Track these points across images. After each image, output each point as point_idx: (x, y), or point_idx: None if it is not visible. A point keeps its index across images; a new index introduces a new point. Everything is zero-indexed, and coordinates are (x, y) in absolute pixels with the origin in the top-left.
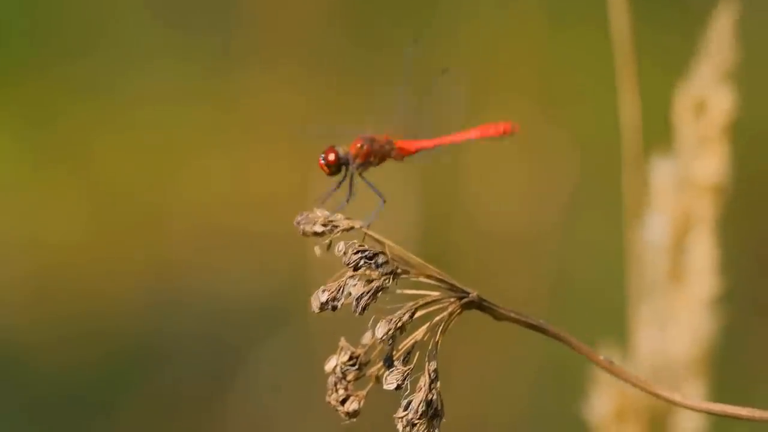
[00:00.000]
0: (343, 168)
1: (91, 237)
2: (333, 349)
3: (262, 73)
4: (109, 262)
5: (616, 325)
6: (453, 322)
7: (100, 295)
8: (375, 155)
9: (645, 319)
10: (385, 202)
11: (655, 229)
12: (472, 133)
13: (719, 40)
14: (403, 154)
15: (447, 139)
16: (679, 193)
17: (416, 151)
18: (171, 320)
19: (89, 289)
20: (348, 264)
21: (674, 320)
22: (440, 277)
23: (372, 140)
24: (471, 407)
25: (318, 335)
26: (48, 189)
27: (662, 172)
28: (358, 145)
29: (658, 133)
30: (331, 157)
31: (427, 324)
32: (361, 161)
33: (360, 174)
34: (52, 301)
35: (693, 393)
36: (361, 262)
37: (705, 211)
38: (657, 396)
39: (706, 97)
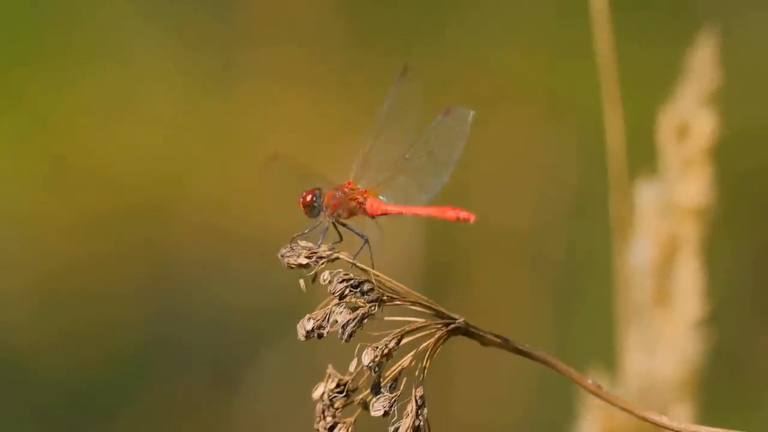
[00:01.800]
0: (321, 212)
1: (95, 242)
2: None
3: (266, 77)
4: (112, 268)
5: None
6: (439, 348)
7: (105, 300)
8: (343, 209)
9: (633, 341)
10: (367, 241)
11: (640, 253)
12: (434, 211)
13: (702, 64)
14: (371, 213)
15: (411, 210)
16: (665, 217)
17: (382, 214)
18: (175, 325)
19: (93, 294)
20: (333, 292)
21: (661, 342)
22: (426, 303)
23: (341, 196)
24: (475, 416)
25: (322, 342)
26: (51, 196)
27: (647, 196)
28: (329, 196)
29: (645, 155)
30: (308, 198)
31: (414, 350)
32: (331, 211)
33: (334, 221)
34: (56, 306)
35: (680, 414)
36: (347, 290)
37: (690, 234)
38: (645, 419)
39: (689, 121)
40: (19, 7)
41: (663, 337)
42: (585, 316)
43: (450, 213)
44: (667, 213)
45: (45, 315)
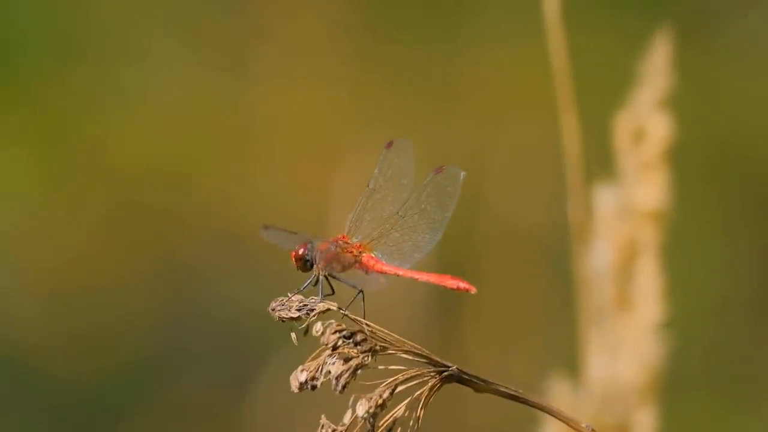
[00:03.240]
0: (314, 267)
1: (107, 243)
2: None
3: (279, 80)
4: (123, 271)
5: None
6: (432, 396)
7: (116, 302)
8: (337, 264)
9: (595, 346)
10: (361, 291)
11: (600, 257)
12: (433, 278)
13: (657, 67)
14: (367, 269)
15: (408, 273)
16: (623, 220)
17: (378, 272)
18: (185, 329)
19: (104, 296)
20: (326, 344)
21: (623, 346)
22: (419, 352)
23: (335, 250)
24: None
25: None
26: (63, 199)
27: (605, 200)
28: (323, 248)
29: (602, 159)
30: (300, 252)
31: (408, 399)
32: (324, 265)
33: (327, 274)
34: (67, 308)
35: (644, 420)
36: (340, 341)
37: (649, 238)
38: None
39: (645, 124)
40: (33, 6)
41: (625, 341)
42: (563, 319)
43: (450, 282)
44: (625, 216)
45: (56, 316)
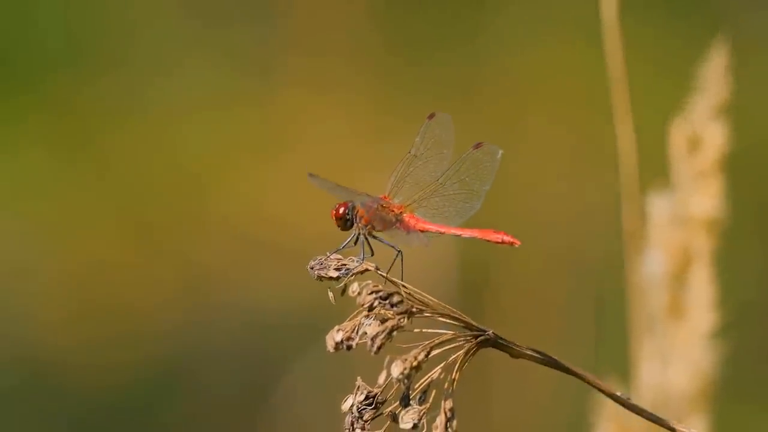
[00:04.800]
0: (354, 226)
1: (128, 248)
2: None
3: (303, 85)
4: (144, 276)
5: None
6: (468, 360)
7: (136, 309)
8: (378, 222)
9: (647, 352)
10: (400, 252)
11: (653, 264)
12: (477, 233)
13: (714, 76)
14: (408, 228)
15: (451, 230)
16: (677, 228)
17: (421, 231)
18: (207, 333)
19: (125, 302)
20: (363, 304)
21: (676, 353)
22: (455, 315)
23: (377, 207)
24: (514, 424)
25: (355, 350)
26: (83, 203)
27: (660, 208)
28: (364, 209)
29: (657, 166)
30: (341, 211)
31: (443, 362)
32: (365, 223)
33: (367, 233)
34: (90, 311)
35: (695, 425)
36: (376, 302)
37: (703, 246)
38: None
39: (701, 133)
40: (66, 20)
41: (677, 348)
42: (615, 325)
43: (494, 236)
44: (680, 224)
45: (81, 318)
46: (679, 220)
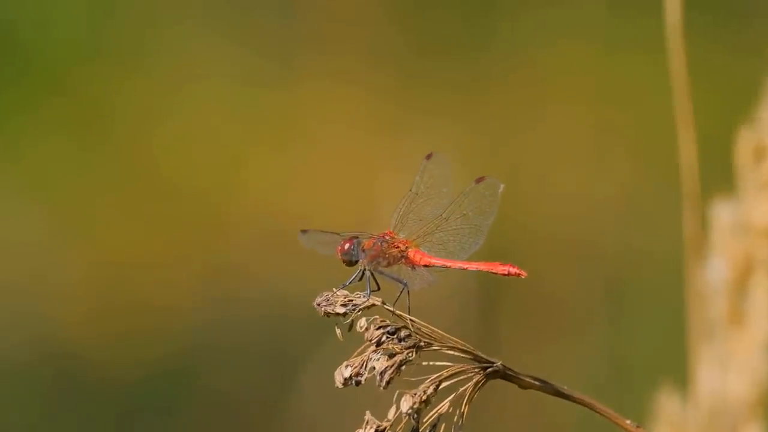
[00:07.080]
0: (360, 262)
1: (151, 244)
2: None
3: (324, 81)
4: (168, 269)
5: (676, 361)
6: (477, 392)
7: (157, 306)
8: (383, 257)
9: (705, 359)
10: (405, 285)
11: (715, 272)
12: (482, 266)
13: None
14: (413, 263)
15: (457, 264)
16: (740, 237)
17: (425, 266)
18: (227, 329)
19: (148, 295)
20: (370, 340)
21: (734, 361)
22: (463, 347)
23: (382, 243)
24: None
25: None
26: (109, 197)
27: (723, 215)
28: (369, 245)
29: (718, 171)
30: (346, 247)
31: (452, 395)
32: (370, 260)
33: (372, 270)
34: (113, 307)
35: None
36: (384, 337)
37: (765, 255)
38: None
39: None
40: (90, 17)
41: (736, 356)
42: (651, 333)
43: (500, 268)
44: (743, 233)
45: (104, 314)
46: (742, 228)
